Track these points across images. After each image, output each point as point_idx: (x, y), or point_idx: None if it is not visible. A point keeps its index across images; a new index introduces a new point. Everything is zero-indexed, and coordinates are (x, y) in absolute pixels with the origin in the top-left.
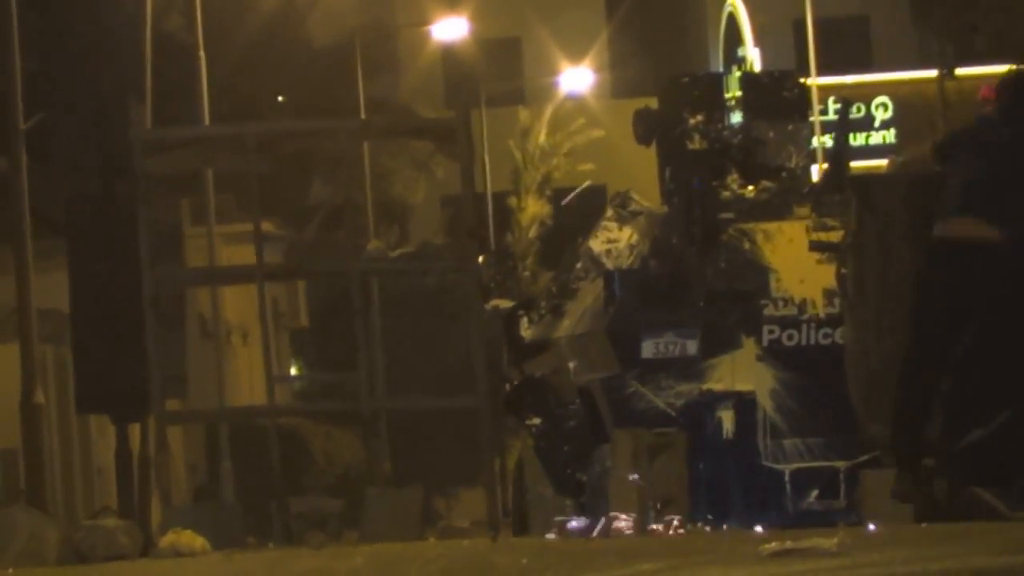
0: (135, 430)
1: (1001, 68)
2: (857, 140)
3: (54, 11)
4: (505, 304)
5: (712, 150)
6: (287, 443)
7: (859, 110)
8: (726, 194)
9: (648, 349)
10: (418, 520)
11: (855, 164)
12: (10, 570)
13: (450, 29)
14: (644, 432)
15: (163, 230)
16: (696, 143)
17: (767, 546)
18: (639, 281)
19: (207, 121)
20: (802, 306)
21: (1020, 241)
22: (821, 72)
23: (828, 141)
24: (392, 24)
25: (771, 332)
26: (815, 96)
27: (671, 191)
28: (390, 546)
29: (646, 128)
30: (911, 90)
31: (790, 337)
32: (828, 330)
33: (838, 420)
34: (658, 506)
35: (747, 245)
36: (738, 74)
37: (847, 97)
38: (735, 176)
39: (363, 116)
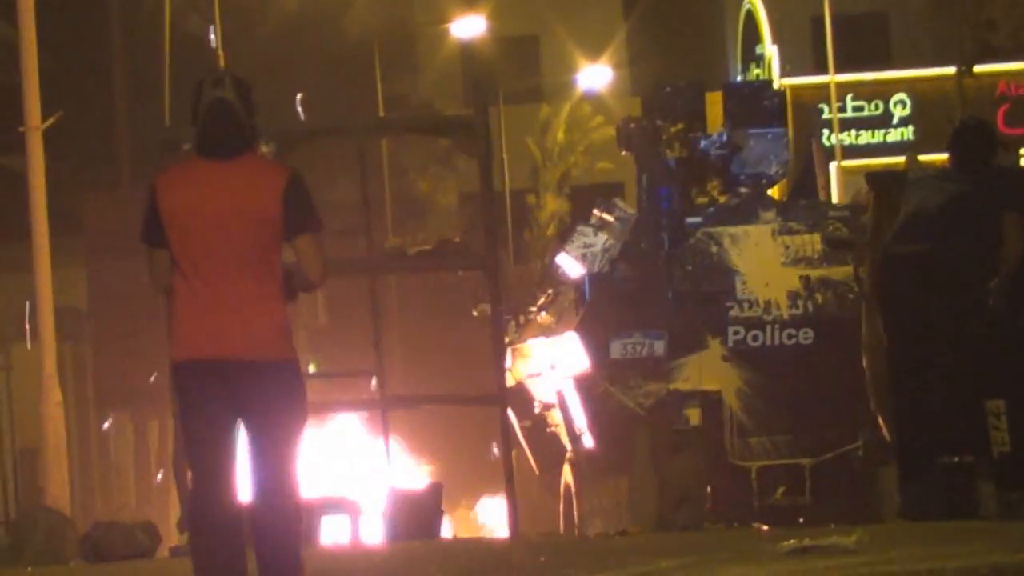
0: (153, 428)
1: (1019, 64)
2: (875, 137)
3: (72, 9)
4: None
5: (687, 159)
6: None
7: (877, 107)
8: (703, 200)
9: (616, 350)
10: (437, 517)
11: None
12: (29, 568)
13: (469, 27)
14: (663, 428)
15: None
16: (676, 151)
17: (786, 544)
18: (608, 284)
19: None
20: (767, 307)
21: (957, 257)
22: (840, 69)
23: (834, 139)
24: (412, 22)
25: (736, 333)
26: (833, 93)
27: (642, 198)
28: (411, 543)
29: (628, 136)
30: (930, 87)
31: (755, 338)
32: (792, 331)
33: (803, 418)
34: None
35: (714, 249)
36: (757, 72)
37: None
38: (716, 183)
39: (382, 114)
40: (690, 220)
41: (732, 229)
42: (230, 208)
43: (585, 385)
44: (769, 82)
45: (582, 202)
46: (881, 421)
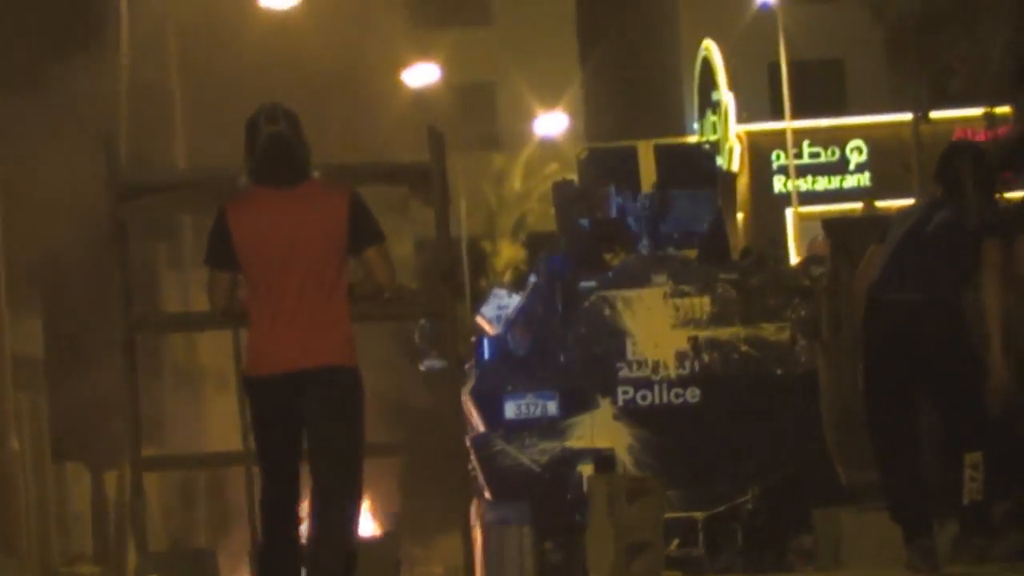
0: (110, 476)
1: (976, 111)
2: (832, 183)
3: (27, 58)
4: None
5: (611, 220)
6: None
7: (833, 153)
8: (616, 260)
9: (511, 410)
10: (394, 567)
11: (831, 207)
12: None
13: (423, 74)
14: (620, 476)
15: (138, 275)
16: (603, 212)
17: None
18: (503, 347)
19: (183, 166)
20: (655, 368)
21: (939, 303)
22: (796, 115)
23: (790, 185)
24: (366, 69)
25: (626, 393)
26: (789, 139)
27: (540, 264)
28: None
29: (561, 199)
30: (886, 133)
31: (644, 397)
32: (680, 390)
33: (694, 473)
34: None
35: (607, 311)
36: (713, 119)
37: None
38: (620, 248)
39: (337, 161)
40: (586, 284)
41: (625, 292)
42: (303, 230)
43: (481, 443)
44: (700, 144)
45: (538, 249)
46: (837, 465)
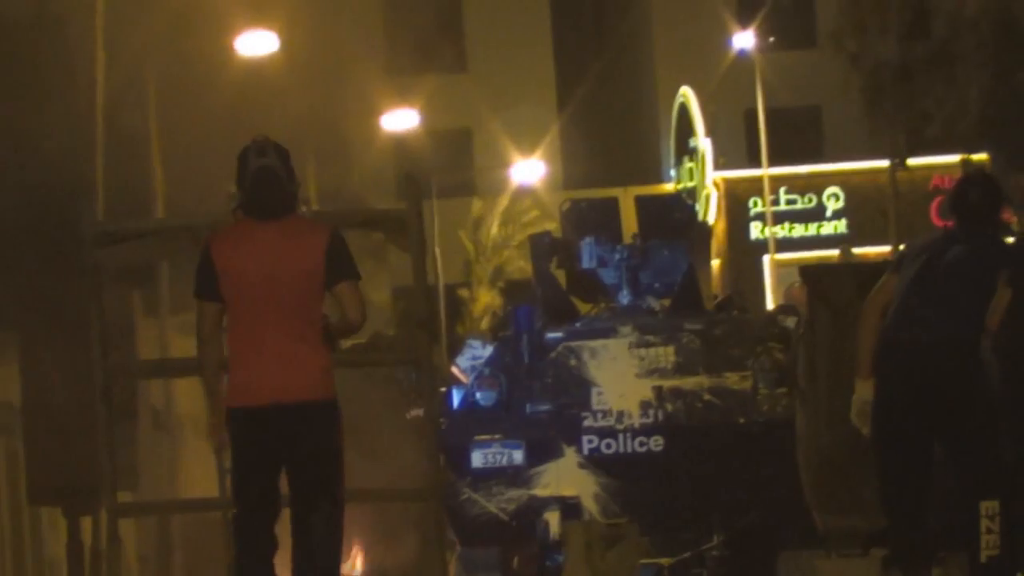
0: (86, 523)
1: (953, 158)
2: (809, 230)
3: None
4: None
5: (581, 272)
6: None
7: (810, 200)
8: (595, 311)
9: (478, 459)
10: None
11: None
12: None
13: (401, 120)
14: (597, 523)
15: (115, 322)
16: (584, 263)
17: None
18: (471, 397)
19: (160, 213)
20: (619, 417)
21: (959, 342)
22: (773, 162)
23: (767, 232)
24: (344, 115)
25: (590, 442)
26: (767, 186)
27: (509, 316)
28: None
29: (537, 250)
30: (863, 180)
31: (608, 446)
32: (643, 438)
33: (659, 520)
34: None
35: (573, 362)
36: (690, 165)
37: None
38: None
39: (315, 207)
40: (553, 335)
41: (592, 343)
42: (281, 263)
43: (449, 492)
44: (679, 195)
45: (516, 296)
46: (814, 511)
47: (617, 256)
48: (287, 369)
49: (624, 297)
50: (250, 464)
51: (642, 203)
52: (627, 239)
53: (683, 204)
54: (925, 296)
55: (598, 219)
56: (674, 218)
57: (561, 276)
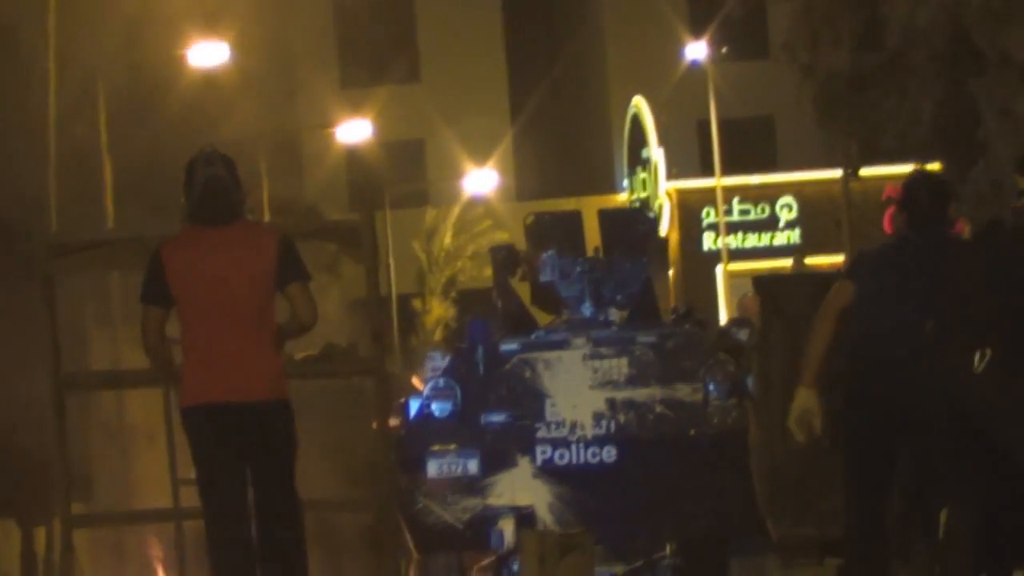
0: (40, 533)
1: (906, 168)
2: (762, 240)
3: None
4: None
5: (541, 285)
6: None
7: (763, 210)
8: (556, 322)
9: (433, 468)
10: None
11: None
12: None
13: (354, 131)
14: (551, 532)
15: (68, 333)
16: (545, 275)
17: None
18: (427, 408)
19: (112, 224)
20: (572, 428)
21: (926, 356)
22: (726, 172)
23: (720, 242)
24: (296, 126)
25: (544, 452)
26: (720, 196)
27: (465, 328)
28: None
29: (498, 264)
30: (816, 190)
31: (561, 456)
32: (596, 449)
33: (612, 529)
34: None
35: (528, 373)
36: (643, 175)
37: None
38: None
39: (268, 218)
40: (508, 347)
41: (546, 355)
42: (233, 266)
43: (406, 501)
44: (641, 208)
45: (469, 307)
46: (768, 521)
47: (579, 269)
48: (241, 370)
49: (586, 309)
50: (214, 458)
51: (605, 216)
52: (590, 252)
53: (645, 217)
54: (887, 310)
55: (561, 232)
56: (637, 231)
57: (525, 288)
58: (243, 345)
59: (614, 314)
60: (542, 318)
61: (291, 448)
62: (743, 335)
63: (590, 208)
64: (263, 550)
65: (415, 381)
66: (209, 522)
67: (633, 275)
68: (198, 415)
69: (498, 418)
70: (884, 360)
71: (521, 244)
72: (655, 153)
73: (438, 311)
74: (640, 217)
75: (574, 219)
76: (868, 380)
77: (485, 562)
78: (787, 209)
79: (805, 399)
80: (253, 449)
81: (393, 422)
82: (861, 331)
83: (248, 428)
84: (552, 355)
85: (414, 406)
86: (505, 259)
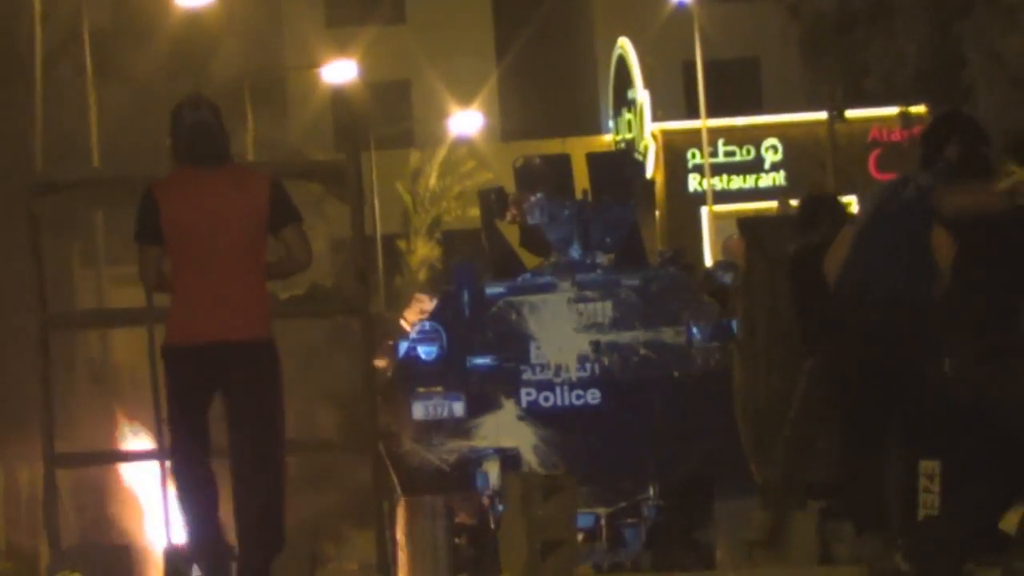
0: (23, 472)
1: (891, 110)
2: (747, 182)
3: None
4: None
5: (529, 228)
6: None
7: (748, 152)
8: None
9: (419, 411)
10: (309, 564)
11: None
12: None
13: (340, 72)
14: (535, 474)
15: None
16: (535, 219)
17: None
18: (413, 350)
19: (97, 163)
20: (557, 371)
21: (905, 302)
22: (711, 114)
23: (706, 184)
24: (282, 66)
25: (528, 395)
26: (705, 137)
27: (451, 271)
28: None
29: (486, 207)
30: (801, 132)
31: (546, 399)
32: (580, 391)
33: (596, 471)
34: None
35: (513, 317)
36: (628, 117)
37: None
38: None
39: (252, 158)
40: (494, 291)
41: (532, 298)
42: (227, 208)
43: (392, 443)
44: (629, 151)
45: (454, 247)
46: (752, 464)
47: (568, 212)
48: (229, 309)
49: (574, 252)
50: (184, 402)
51: (593, 160)
52: (578, 195)
53: (633, 160)
54: (872, 254)
55: (550, 175)
56: (625, 174)
57: (514, 231)
58: (233, 285)
59: (601, 257)
60: (530, 260)
61: (276, 389)
62: (728, 278)
63: (574, 148)
64: (239, 492)
65: (403, 324)
66: (174, 457)
67: (621, 218)
68: (181, 354)
69: (483, 361)
70: (857, 307)
71: (506, 185)
72: (640, 95)
73: (423, 251)
74: (628, 160)
75: (563, 162)
76: (845, 324)
77: (468, 503)
78: (772, 151)
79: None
80: (236, 388)
81: (381, 362)
82: (840, 272)
83: (233, 367)
84: (537, 298)
85: (402, 348)
86: (494, 202)
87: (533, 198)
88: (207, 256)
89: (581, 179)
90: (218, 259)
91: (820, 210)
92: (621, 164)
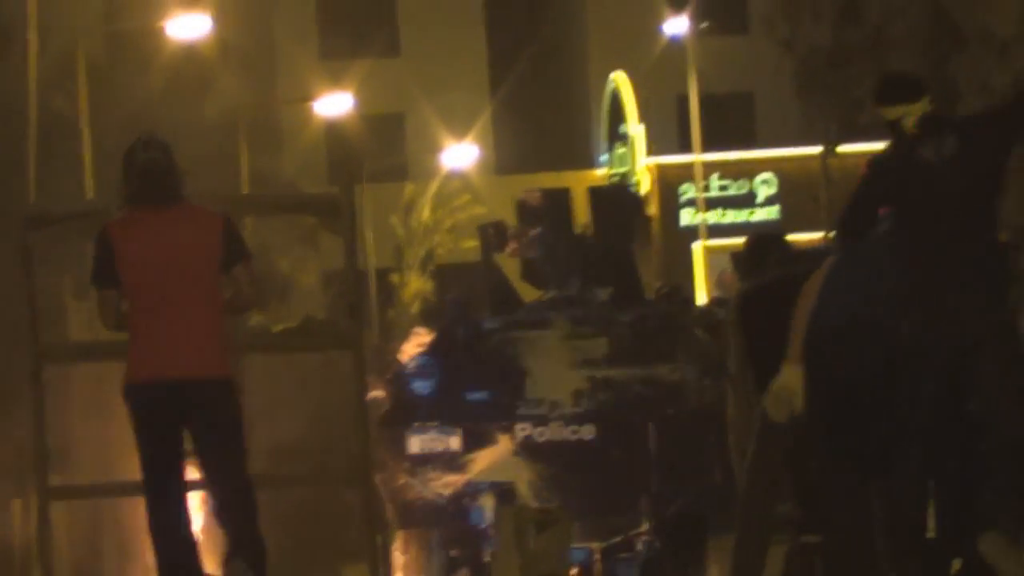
0: (17, 505)
1: (885, 144)
2: (741, 216)
3: None
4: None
5: (529, 262)
6: None
7: (742, 186)
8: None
9: (415, 444)
10: None
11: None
12: None
13: (334, 104)
14: (528, 508)
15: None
16: (533, 252)
17: None
18: (409, 384)
19: (91, 195)
20: (552, 406)
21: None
22: (706, 148)
23: (699, 218)
24: (276, 100)
25: (523, 429)
26: (699, 172)
27: (446, 306)
28: None
29: (485, 242)
30: (795, 166)
31: (541, 434)
32: (575, 427)
33: (590, 506)
34: None
35: (509, 351)
36: (621, 151)
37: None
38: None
39: (246, 191)
40: (490, 326)
41: (528, 334)
42: (180, 246)
43: (388, 477)
44: (626, 185)
45: (447, 281)
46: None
47: (567, 246)
48: (186, 347)
49: (573, 286)
50: (150, 439)
51: (595, 194)
52: (578, 229)
53: (634, 196)
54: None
55: (551, 210)
56: (626, 210)
57: (514, 264)
58: (190, 323)
59: (600, 292)
60: (529, 294)
61: (237, 425)
62: (723, 313)
63: (568, 182)
64: (219, 516)
65: (401, 357)
66: (148, 503)
67: (619, 253)
68: (141, 393)
69: (479, 396)
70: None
71: (500, 218)
72: (634, 128)
73: (416, 285)
74: (628, 196)
75: (564, 197)
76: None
77: (463, 537)
78: (766, 185)
79: (787, 376)
80: (197, 425)
81: (379, 393)
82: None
83: (192, 405)
84: (532, 334)
85: (398, 382)
86: (492, 236)
87: (533, 232)
88: (163, 295)
89: (579, 213)
90: (173, 298)
91: (769, 250)
92: (622, 199)
